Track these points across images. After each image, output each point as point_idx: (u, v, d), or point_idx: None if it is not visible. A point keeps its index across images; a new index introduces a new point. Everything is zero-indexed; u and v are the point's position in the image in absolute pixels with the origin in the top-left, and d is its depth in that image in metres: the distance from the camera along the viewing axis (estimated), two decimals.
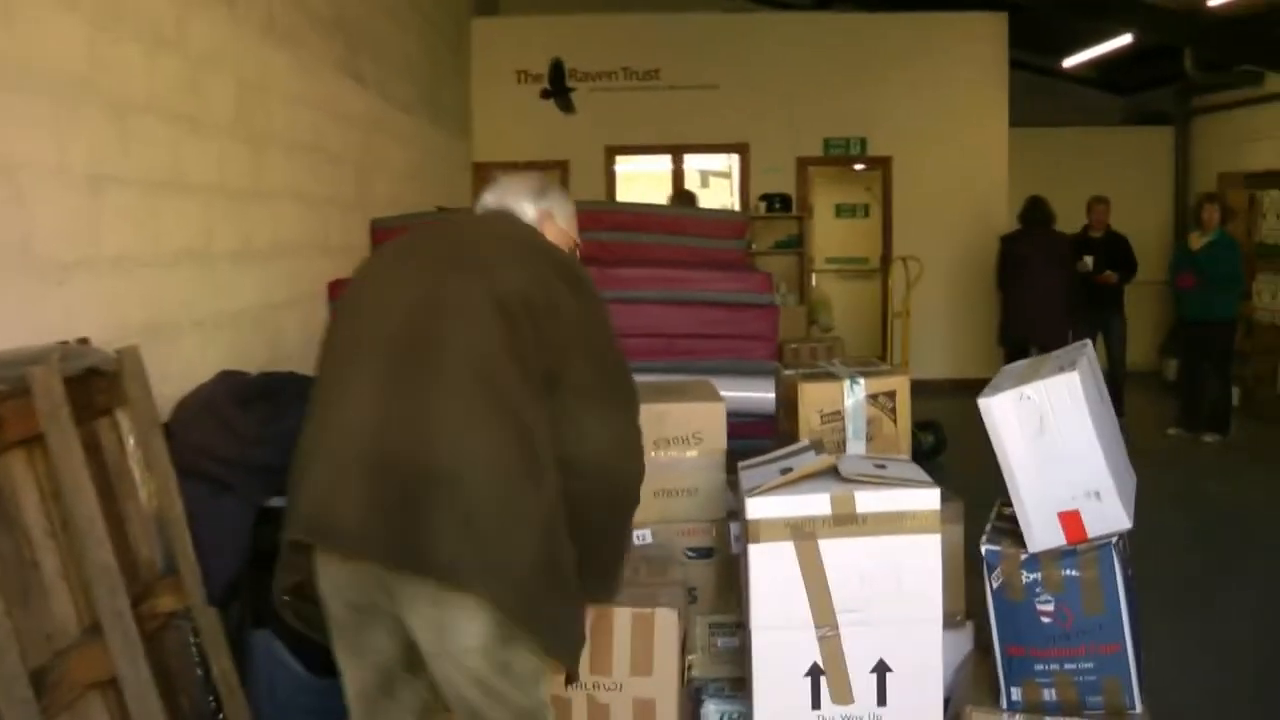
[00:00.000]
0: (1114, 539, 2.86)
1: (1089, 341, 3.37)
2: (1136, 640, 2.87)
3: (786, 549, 2.75)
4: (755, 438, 4.01)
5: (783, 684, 2.79)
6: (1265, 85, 10.40)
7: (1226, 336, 8.63)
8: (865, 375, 3.51)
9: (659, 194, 10.87)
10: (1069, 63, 12.02)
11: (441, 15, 9.44)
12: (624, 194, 11.51)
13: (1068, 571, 2.86)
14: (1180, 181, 12.11)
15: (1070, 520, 2.87)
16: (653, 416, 3.43)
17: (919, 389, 3.61)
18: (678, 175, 11.59)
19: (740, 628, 3.21)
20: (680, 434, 3.47)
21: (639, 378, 3.24)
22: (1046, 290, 8.70)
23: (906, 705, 2.78)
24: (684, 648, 3.13)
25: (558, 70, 10.95)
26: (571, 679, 2.63)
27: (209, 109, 4.13)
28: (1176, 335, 9.76)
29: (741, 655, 3.18)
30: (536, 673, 2.34)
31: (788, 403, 3.65)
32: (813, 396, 3.48)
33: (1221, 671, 4.34)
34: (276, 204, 4.89)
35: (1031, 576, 2.88)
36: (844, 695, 2.78)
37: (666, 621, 2.96)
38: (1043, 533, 2.88)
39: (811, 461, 2.95)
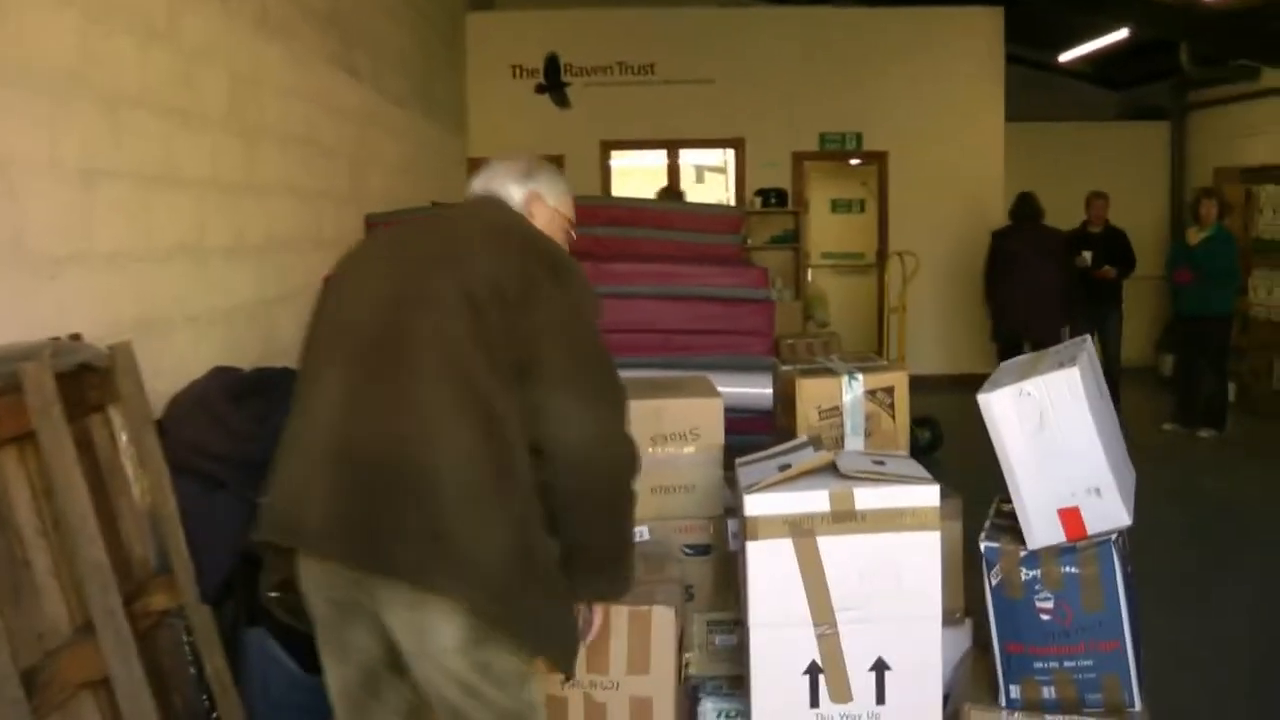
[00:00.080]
0: (1114, 536, 2.85)
1: (1088, 337, 3.35)
2: (1136, 638, 2.85)
3: (785, 546, 2.73)
4: (752, 433, 3.99)
5: (781, 682, 2.77)
6: (1261, 80, 10.39)
7: (1223, 332, 8.63)
8: (863, 371, 3.50)
9: (654, 189, 10.85)
10: (1065, 57, 12.01)
11: (436, 9, 9.41)
12: (619, 189, 11.51)
13: (1067, 568, 2.84)
14: (1176, 177, 12.11)
15: (1070, 517, 2.85)
16: (650, 412, 3.43)
17: (915, 384, 3.59)
18: (672, 170, 11.57)
19: (738, 625, 3.20)
20: (677, 430, 3.45)
21: (635, 373, 3.21)
22: (1039, 285, 8.70)
23: (905, 703, 2.76)
24: (681, 645, 3.11)
25: (553, 65, 10.93)
26: (568, 678, 2.60)
27: (202, 102, 4.11)
28: (1172, 330, 9.76)
29: (739, 653, 3.17)
30: (520, 674, 2.30)
31: (785, 398, 3.63)
32: (811, 392, 3.47)
33: (1218, 667, 4.33)
34: (270, 198, 4.86)
35: (1031, 574, 2.86)
36: (842, 693, 2.76)
37: (663, 619, 2.94)
38: (1042, 529, 2.87)
39: (810, 458, 2.93)
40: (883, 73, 11.02)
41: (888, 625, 2.75)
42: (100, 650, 2.62)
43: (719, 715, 3.28)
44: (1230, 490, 7.30)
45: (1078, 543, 2.85)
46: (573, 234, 2.71)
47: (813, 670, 2.76)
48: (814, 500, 2.73)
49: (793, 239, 11.20)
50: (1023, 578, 2.87)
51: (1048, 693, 2.88)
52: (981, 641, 3.11)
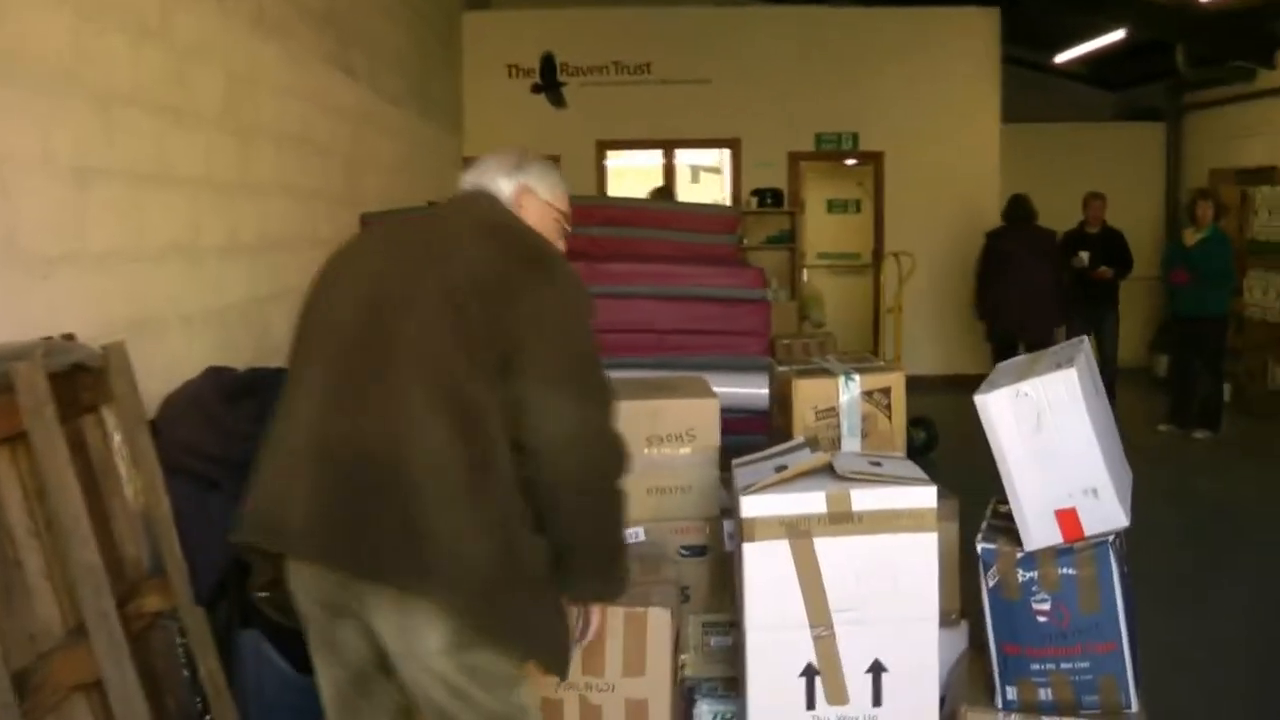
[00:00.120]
0: (1111, 537, 2.84)
1: (1085, 338, 3.34)
2: (1133, 639, 2.85)
3: (781, 547, 2.72)
4: (748, 433, 3.98)
5: (777, 684, 2.76)
6: (1257, 81, 10.39)
7: (1219, 333, 8.64)
8: (860, 372, 3.49)
9: (649, 189, 10.85)
10: (1061, 58, 12.02)
11: (432, 9, 9.40)
12: (615, 189, 11.49)
13: (1064, 570, 2.83)
14: (1172, 178, 12.12)
15: (1067, 518, 2.84)
16: (646, 413, 3.42)
17: (909, 385, 3.58)
18: (668, 171, 11.56)
19: (734, 627, 3.18)
20: (674, 431, 3.44)
21: (630, 373, 3.20)
22: (1033, 286, 8.70)
23: (902, 705, 2.75)
24: (677, 647, 3.10)
25: (549, 64, 10.91)
26: (562, 679, 2.59)
27: (196, 101, 4.09)
28: (1167, 331, 9.76)
29: (735, 654, 3.15)
30: (509, 677, 2.29)
31: (782, 399, 3.62)
32: (807, 393, 3.45)
33: (1214, 668, 4.33)
34: (265, 197, 4.85)
35: (1028, 575, 2.85)
36: (839, 695, 2.75)
37: (659, 621, 2.93)
38: (1039, 531, 2.86)
39: (807, 459, 2.92)
40: (879, 73, 11.02)
41: (884, 627, 2.74)
42: (93, 652, 2.60)
43: (714, 717, 3.27)
44: (1225, 491, 7.30)
45: (1075, 544, 2.84)
46: (567, 227, 2.66)
47: (809, 672, 2.75)
48: (811, 502, 2.72)
49: (788, 239, 11.21)
50: (1020, 579, 2.86)
51: (1044, 694, 2.87)
52: (977, 642, 3.10)
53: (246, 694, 3.15)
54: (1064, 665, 2.85)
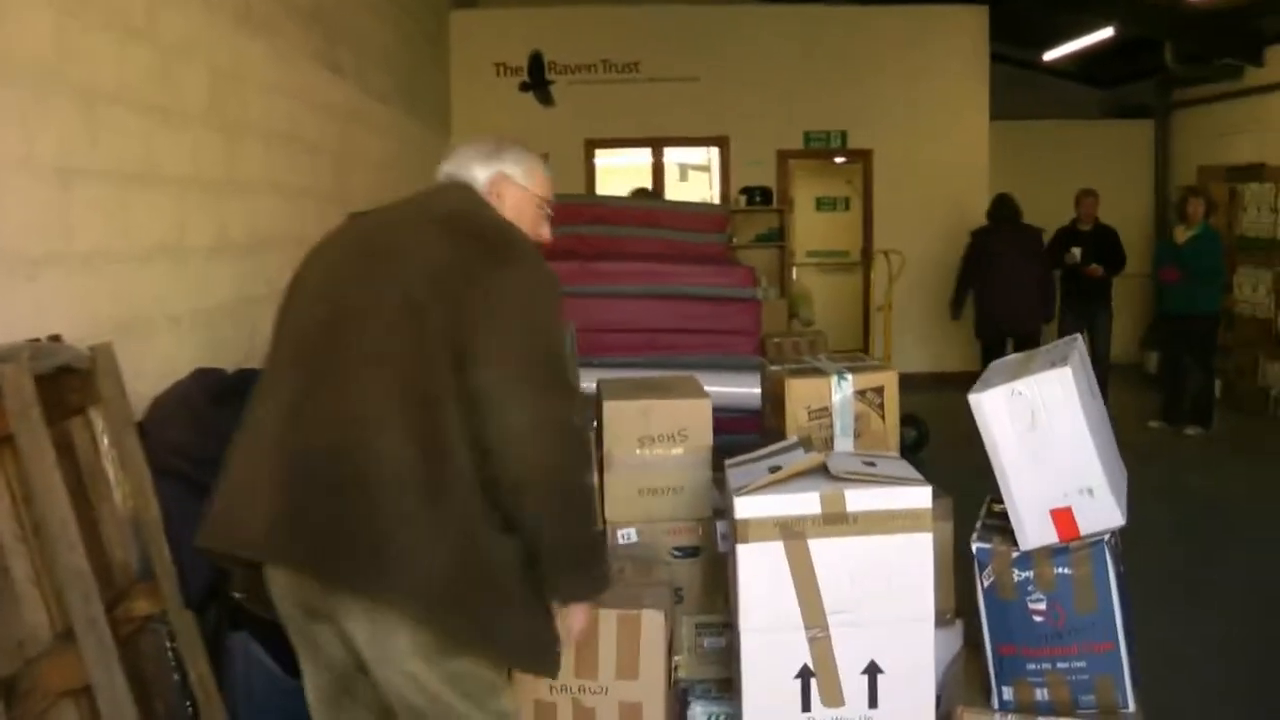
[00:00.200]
0: (1106, 536, 2.83)
1: (1079, 336, 3.34)
2: (1129, 638, 2.84)
3: (776, 549, 2.70)
4: (739, 433, 3.97)
5: (772, 686, 2.74)
6: (1245, 79, 10.41)
7: (1210, 330, 8.65)
8: (853, 371, 3.47)
9: (630, 189, 10.86)
10: (1050, 56, 12.01)
11: (420, 6, 9.36)
12: (603, 187, 11.46)
13: (1060, 569, 2.82)
14: (1160, 175, 12.14)
15: (1062, 517, 2.83)
16: (637, 413, 3.41)
17: (899, 383, 3.56)
18: (657, 169, 11.54)
19: (727, 628, 3.17)
20: (665, 431, 3.42)
21: (621, 373, 3.18)
22: (1020, 284, 8.71)
23: (898, 707, 2.74)
24: (670, 649, 3.09)
25: (537, 63, 10.88)
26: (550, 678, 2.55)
27: (182, 99, 4.05)
28: (1157, 328, 9.77)
29: (728, 656, 3.14)
30: (489, 684, 2.26)
31: (774, 398, 3.61)
32: (800, 392, 3.44)
33: (1206, 665, 4.32)
34: (252, 196, 4.81)
35: (1023, 575, 2.85)
36: (835, 697, 2.73)
37: (653, 623, 2.91)
38: (1035, 530, 2.85)
39: (800, 459, 2.90)
40: (868, 71, 11.02)
41: (880, 628, 2.73)
42: (81, 657, 2.58)
43: (708, 718, 3.25)
44: (1216, 487, 7.30)
45: (1070, 543, 2.83)
46: (548, 211, 2.59)
47: (804, 674, 2.73)
48: (805, 502, 2.70)
49: (777, 237, 11.20)
50: (1015, 579, 2.85)
51: (1040, 694, 2.86)
52: (972, 641, 3.09)
53: (236, 697, 3.13)
54: (1060, 665, 2.84)
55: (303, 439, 2.19)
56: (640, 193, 10.15)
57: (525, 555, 2.24)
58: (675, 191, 12.32)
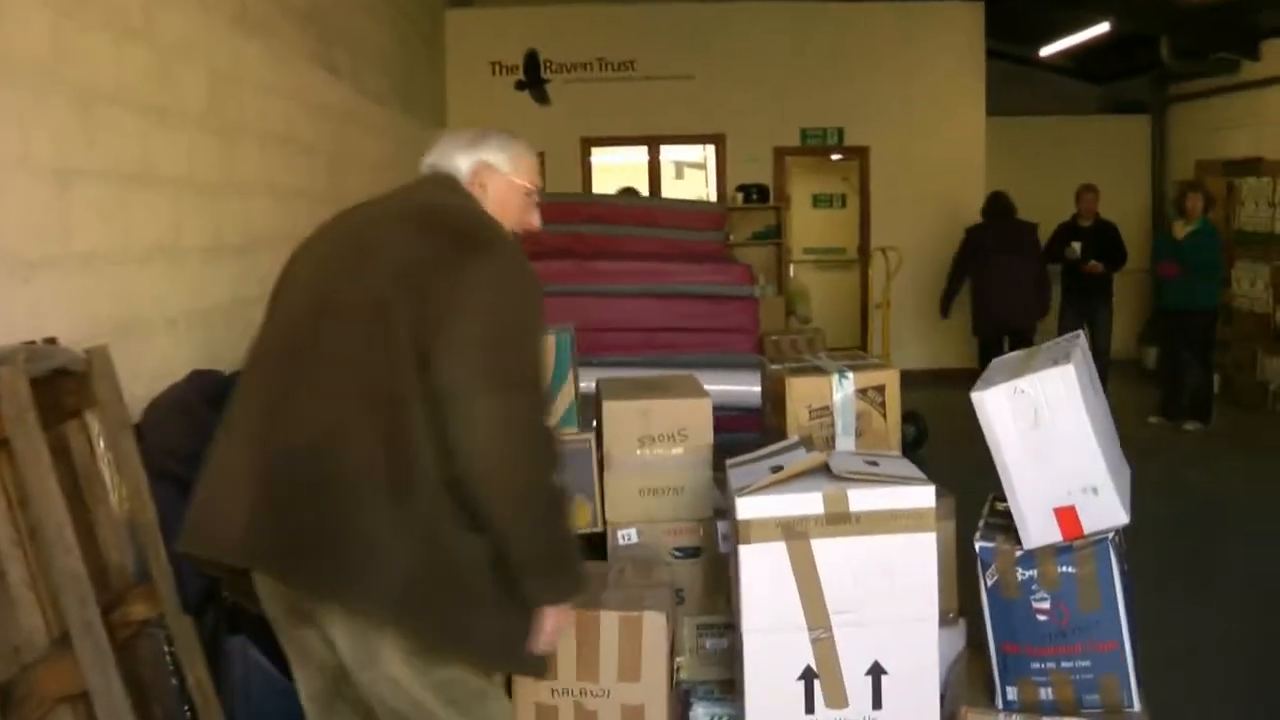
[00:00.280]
0: (1111, 534, 2.81)
1: (1081, 333, 3.32)
2: (1134, 637, 2.82)
3: (778, 549, 2.68)
4: (740, 431, 3.95)
5: (775, 688, 2.73)
6: (1241, 73, 10.40)
7: (1208, 325, 8.64)
8: (853, 369, 3.46)
9: (637, 186, 10.83)
10: (1046, 52, 12.00)
11: (415, 6, 9.34)
12: (600, 186, 11.44)
13: (1064, 568, 2.80)
14: (1157, 170, 12.12)
15: (1066, 516, 2.81)
16: (637, 413, 3.40)
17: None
18: (653, 167, 11.52)
19: (729, 629, 3.15)
20: (665, 431, 3.41)
21: (619, 372, 3.15)
22: (1015, 280, 8.72)
23: (902, 708, 2.72)
24: (672, 650, 3.07)
25: (532, 61, 10.85)
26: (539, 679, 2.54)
27: (179, 100, 4.03)
28: (1156, 323, 9.77)
29: (730, 657, 3.12)
30: (477, 690, 2.25)
31: (775, 397, 3.59)
32: (801, 391, 3.42)
33: (1206, 660, 4.32)
34: (249, 197, 4.79)
35: (1027, 574, 2.83)
36: (838, 699, 2.72)
37: (654, 625, 2.89)
38: (1038, 529, 2.83)
39: (802, 459, 2.89)
40: (864, 68, 11.01)
41: (883, 628, 2.71)
42: (78, 662, 2.55)
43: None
44: (1215, 482, 7.30)
45: (1074, 542, 2.81)
46: (536, 197, 2.52)
47: (808, 675, 2.71)
48: (807, 502, 2.68)
49: (774, 235, 11.19)
50: (1019, 578, 2.83)
51: (1045, 694, 2.84)
52: (975, 641, 3.08)
53: (235, 701, 3.11)
54: (1065, 664, 2.82)
55: (275, 443, 2.17)
56: (627, 192, 10.15)
57: (497, 554, 2.18)
58: (671, 189, 12.31)
